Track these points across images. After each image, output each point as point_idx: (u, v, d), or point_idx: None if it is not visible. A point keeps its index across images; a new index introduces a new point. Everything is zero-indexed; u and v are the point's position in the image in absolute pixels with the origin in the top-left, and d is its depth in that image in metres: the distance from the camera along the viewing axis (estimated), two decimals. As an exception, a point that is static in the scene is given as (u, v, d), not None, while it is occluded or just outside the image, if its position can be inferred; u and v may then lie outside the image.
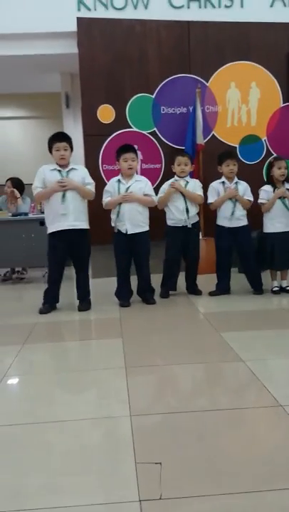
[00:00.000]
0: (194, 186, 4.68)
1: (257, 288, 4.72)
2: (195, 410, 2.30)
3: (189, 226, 4.61)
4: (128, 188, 4.39)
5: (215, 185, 4.71)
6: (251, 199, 4.69)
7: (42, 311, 4.32)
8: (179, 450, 1.93)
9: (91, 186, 4.35)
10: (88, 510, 1.58)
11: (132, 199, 4.36)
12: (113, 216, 4.45)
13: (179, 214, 4.60)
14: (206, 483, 1.69)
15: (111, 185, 4.48)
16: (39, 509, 1.60)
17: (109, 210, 4.49)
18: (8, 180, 6.36)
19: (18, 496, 1.68)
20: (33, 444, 2.04)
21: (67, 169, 4.28)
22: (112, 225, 4.47)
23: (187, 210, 4.58)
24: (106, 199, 4.44)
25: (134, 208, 4.38)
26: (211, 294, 4.71)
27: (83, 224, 4.32)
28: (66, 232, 4.22)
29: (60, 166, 4.27)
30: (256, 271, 4.75)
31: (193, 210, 4.65)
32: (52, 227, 4.27)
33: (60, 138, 4.28)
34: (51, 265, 4.40)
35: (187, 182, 4.66)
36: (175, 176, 4.70)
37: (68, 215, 4.20)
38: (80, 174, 4.31)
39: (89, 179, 4.36)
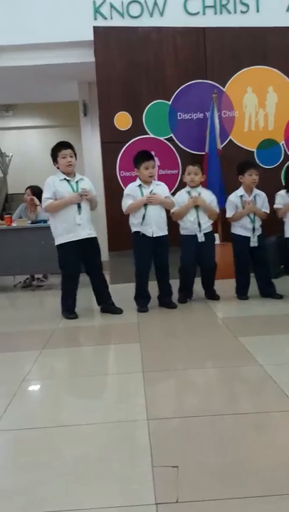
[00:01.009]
0: (210, 201, 4.68)
1: (271, 293, 4.67)
2: (212, 414, 2.29)
3: (202, 240, 4.58)
4: (151, 191, 4.42)
5: (233, 199, 4.65)
6: (268, 211, 4.66)
7: (72, 317, 4.36)
8: (195, 454, 1.92)
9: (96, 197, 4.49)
10: (105, 513, 1.60)
11: (157, 200, 4.40)
12: (135, 220, 4.44)
13: (191, 224, 4.60)
14: (222, 488, 1.69)
15: (132, 189, 4.47)
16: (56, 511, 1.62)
17: (126, 216, 4.51)
18: (27, 188, 6.46)
19: (36, 498, 1.70)
20: (51, 448, 2.06)
21: (76, 179, 4.34)
22: (134, 230, 4.46)
23: (199, 224, 4.58)
24: (128, 202, 4.44)
25: (158, 211, 4.43)
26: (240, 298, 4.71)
27: (94, 232, 4.40)
28: (81, 241, 4.28)
29: (67, 174, 4.31)
30: (269, 276, 4.72)
31: (205, 222, 4.63)
32: (66, 237, 4.27)
33: (66, 145, 4.33)
34: (69, 275, 4.39)
35: (199, 193, 4.64)
36: (187, 186, 4.70)
37: (85, 225, 4.29)
38: (87, 185, 4.36)
39: (94, 190, 4.45)
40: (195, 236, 4.59)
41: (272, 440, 2.05)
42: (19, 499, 1.70)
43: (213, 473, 1.78)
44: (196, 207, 4.58)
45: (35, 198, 6.29)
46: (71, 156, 4.29)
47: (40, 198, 6.28)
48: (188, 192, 4.65)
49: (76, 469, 1.87)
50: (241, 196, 4.62)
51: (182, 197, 4.65)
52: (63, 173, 4.31)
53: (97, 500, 1.66)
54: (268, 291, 4.68)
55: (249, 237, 4.60)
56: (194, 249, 4.62)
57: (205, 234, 4.61)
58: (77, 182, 4.32)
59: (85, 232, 4.29)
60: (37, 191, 6.37)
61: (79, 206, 4.26)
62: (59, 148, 4.30)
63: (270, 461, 1.85)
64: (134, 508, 1.61)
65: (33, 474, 1.85)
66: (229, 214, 4.66)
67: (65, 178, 4.30)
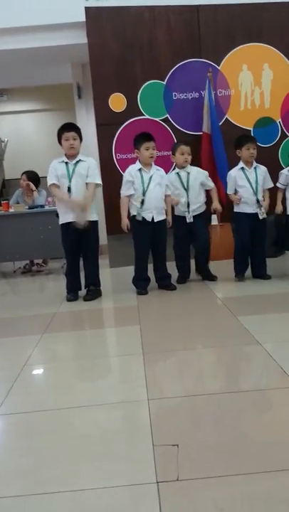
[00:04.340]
0: (204, 176, 4.70)
1: (263, 273, 4.66)
2: (212, 393, 2.31)
3: (190, 221, 4.59)
4: (151, 176, 4.40)
5: (233, 174, 4.60)
6: (271, 185, 4.62)
7: (69, 299, 4.45)
8: (196, 432, 1.94)
9: (91, 179, 4.33)
10: (107, 493, 1.61)
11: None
12: (137, 204, 4.39)
13: (182, 207, 4.63)
14: (223, 465, 1.71)
15: (133, 174, 4.41)
16: (60, 492, 1.63)
17: (125, 199, 4.47)
18: (23, 173, 6.43)
19: (39, 480, 1.72)
20: (54, 430, 2.07)
21: (74, 161, 4.31)
22: (134, 213, 4.44)
23: (188, 205, 4.59)
24: (128, 191, 4.41)
25: (158, 196, 4.42)
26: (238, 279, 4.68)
27: (90, 216, 4.35)
28: (73, 224, 4.29)
29: (70, 156, 4.30)
30: (264, 256, 4.71)
31: (195, 204, 4.63)
32: (61, 219, 4.41)
33: (68, 128, 4.32)
34: (66, 255, 4.57)
35: (188, 173, 4.63)
36: (176, 168, 4.68)
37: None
38: (86, 166, 4.32)
39: (93, 171, 4.34)
40: (185, 217, 4.62)
41: (272, 417, 2.07)
42: (23, 481, 1.72)
43: (213, 451, 1.80)
44: (187, 189, 4.58)
45: (31, 183, 6.27)
46: (74, 139, 4.27)
47: (35, 184, 6.31)
48: (178, 173, 4.64)
49: (78, 450, 1.89)
50: (242, 168, 4.58)
51: (171, 180, 4.64)
52: (66, 155, 4.31)
53: (100, 481, 1.68)
54: (260, 272, 4.67)
55: (253, 214, 4.54)
56: (186, 228, 4.63)
57: (195, 216, 4.61)
58: (74, 164, 4.30)
59: (73, 215, 4.30)
60: (33, 176, 6.36)
61: (69, 189, 4.26)
62: (62, 131, 4.29)
63: (271, 438, 1.87)
64: (136, 487, 1.63)
65: (36, 456, 1.87)
66: (229, 190, 4.65)
67: (63, 161, 4.30)
